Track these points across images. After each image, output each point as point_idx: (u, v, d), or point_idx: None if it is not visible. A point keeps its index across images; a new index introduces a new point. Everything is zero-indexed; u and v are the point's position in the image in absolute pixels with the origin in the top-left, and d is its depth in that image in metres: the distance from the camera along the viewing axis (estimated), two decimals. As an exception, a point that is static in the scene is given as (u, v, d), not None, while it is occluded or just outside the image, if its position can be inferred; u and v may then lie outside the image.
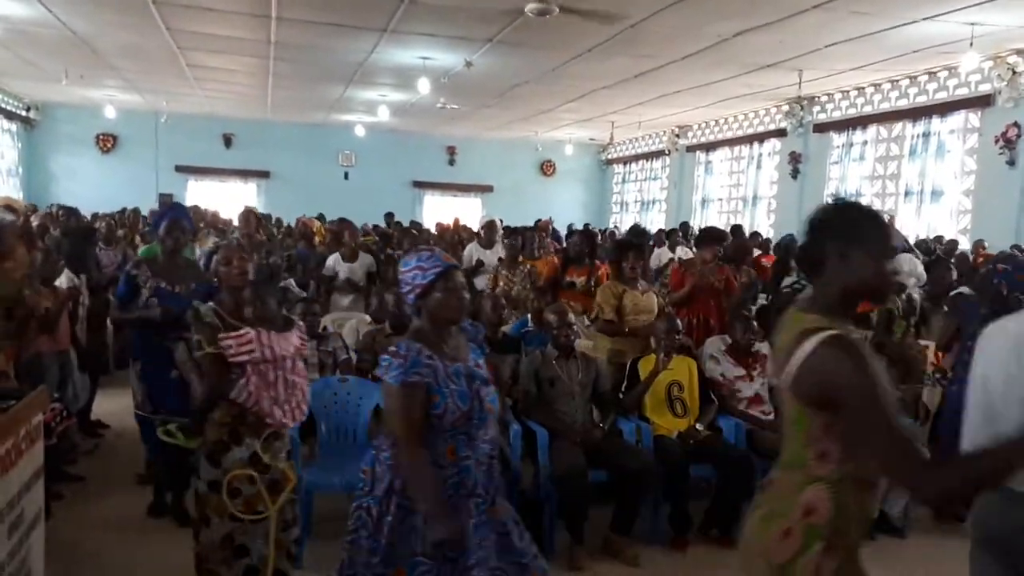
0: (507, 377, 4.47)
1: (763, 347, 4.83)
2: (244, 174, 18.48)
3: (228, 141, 18.33)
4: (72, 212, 8.85)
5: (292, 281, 6.37)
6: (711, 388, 4.69)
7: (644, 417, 4.51)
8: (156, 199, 16.71)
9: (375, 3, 7.84)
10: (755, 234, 12.07)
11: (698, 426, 4.51)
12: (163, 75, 12.43)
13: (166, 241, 4.11)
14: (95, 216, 11.77)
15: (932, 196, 10.36)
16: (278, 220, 13.86)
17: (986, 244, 8.84)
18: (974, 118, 9.77)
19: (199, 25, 8.97)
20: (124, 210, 13.03)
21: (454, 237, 11.18)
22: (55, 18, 8.93)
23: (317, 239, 9.67)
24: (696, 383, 4.63)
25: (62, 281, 5.02)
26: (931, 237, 9.58)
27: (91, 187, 16.46)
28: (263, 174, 18.49)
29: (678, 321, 4.92)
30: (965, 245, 9.34)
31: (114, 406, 5.89)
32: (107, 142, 17.71)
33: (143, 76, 12.80)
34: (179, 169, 17.92)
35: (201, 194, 17.72)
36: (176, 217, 4.17)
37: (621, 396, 4.60)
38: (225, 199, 16.64)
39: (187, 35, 9.54)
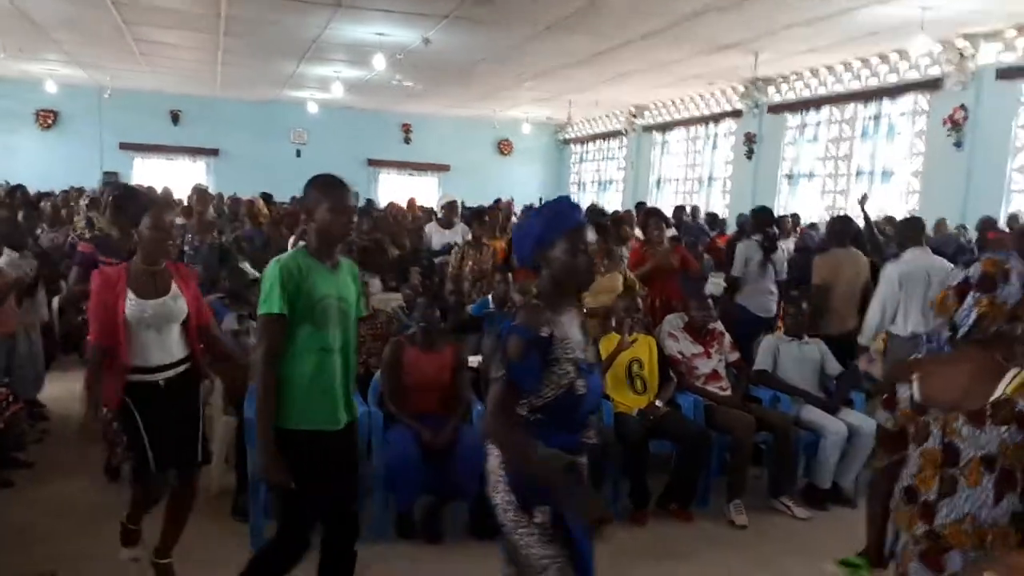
0: (470, 356, 4.44)
1: (719, 325, 4.92)
2: (192, 152, 18.02)
3: (176, 118, 17.81)
4: (18, 188, 8.56)
5: (247, 263, 6.22)
6: (670, 365, 4.74)
7: (605, 395, 4.53)
8: (100, 177, 16.19)
9: (329, -24, 7.67)
10: (712, 215, 12.21)
11: (657, 403, 4.55)
12: (107, 49, 11.98)
13: (566, 266, 2.14)
14: (40, 195, 11.38)
15: (883, 176, 10.58)
16: (231, 199, 13.49)
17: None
18: (923, 101, 9.98)
19: (145, -3, 8.66)
20: (69, 190, 12.61)
21: (413, 219, 11.05)
22: (-10, -14, 8.54)
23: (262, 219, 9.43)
24: (656, 361, 4.68)
25: (2, 261, 4.83)
26: (882, 217, 9.75)
27: (31, 165, 15.83)
28: (212, 152, 18.04)
29: (639, 300, 4.96)
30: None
31: (58, 391, 5.71)
32: (47, 118, 17.05)
33: (86, 50, 12.32)
34: (124, 147, 17.37)
35: (148, 173, 17.24)
36: (580, 226, 2.16)
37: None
38: (173, 177, 16.18)
39: (133, 8, 9.18)
